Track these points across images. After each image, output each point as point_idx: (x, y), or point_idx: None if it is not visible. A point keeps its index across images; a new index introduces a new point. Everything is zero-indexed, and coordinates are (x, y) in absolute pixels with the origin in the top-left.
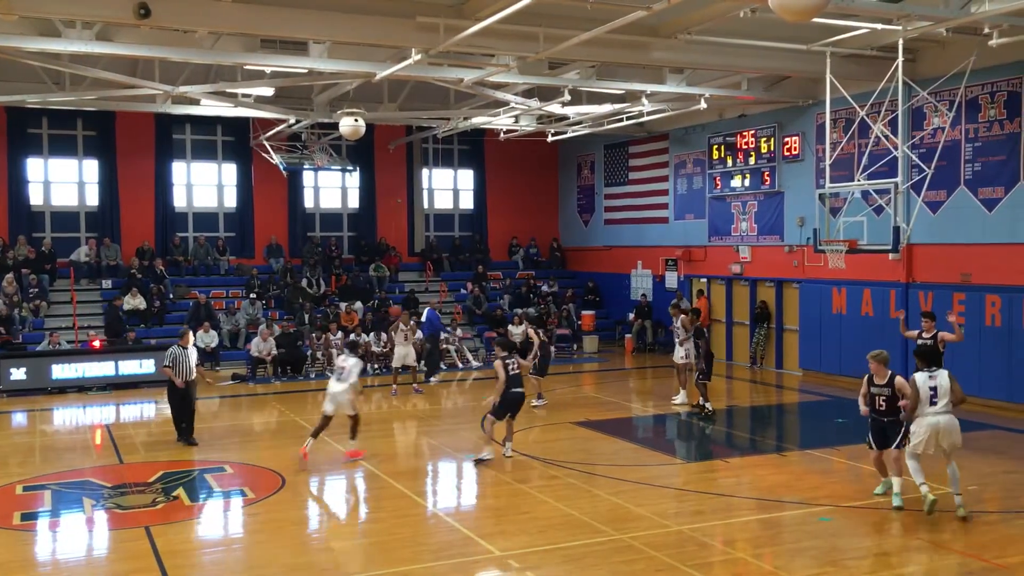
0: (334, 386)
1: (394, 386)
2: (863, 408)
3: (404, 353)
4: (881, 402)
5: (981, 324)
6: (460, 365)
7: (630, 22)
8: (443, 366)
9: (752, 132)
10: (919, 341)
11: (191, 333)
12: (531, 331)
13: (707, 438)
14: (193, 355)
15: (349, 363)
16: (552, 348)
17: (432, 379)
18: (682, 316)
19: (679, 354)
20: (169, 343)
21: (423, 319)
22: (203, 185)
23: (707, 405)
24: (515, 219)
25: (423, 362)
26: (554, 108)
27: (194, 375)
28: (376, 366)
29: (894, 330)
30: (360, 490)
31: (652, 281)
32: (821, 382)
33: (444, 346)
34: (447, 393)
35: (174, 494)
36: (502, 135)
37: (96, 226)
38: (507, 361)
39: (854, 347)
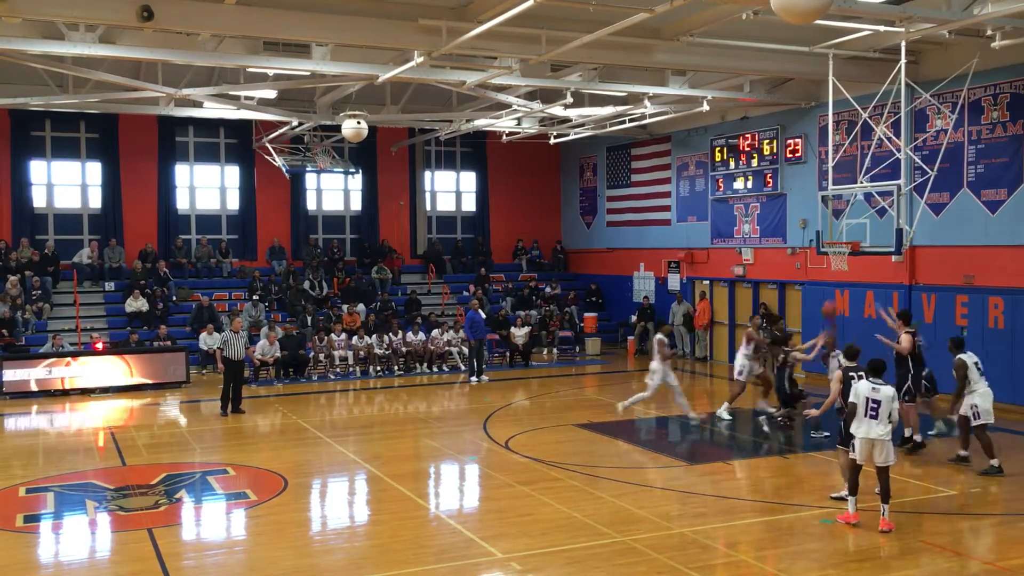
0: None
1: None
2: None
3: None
4: None
5: (984, 326)
6: (462, 367)
7: (632, 24)
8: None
9: (754, 134)
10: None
11: (239, 320)
12: None
13: (709, 440)
14: (243, 339)
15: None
16: (555, 351)
17: (478, 380)
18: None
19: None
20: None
21: (466, 321)
22: (206, 187)
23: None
24: (517, 221)
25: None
26: (556, 110)
27: (244, 355)
28: (378, 368)
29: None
30: (362, 492)
31: (655, 283)
32: (823, 384)
33: (445, 348)
34: (449, 395)
35: (176, 496)
36: (504, 137)
37: (99, 228)
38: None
39: None
